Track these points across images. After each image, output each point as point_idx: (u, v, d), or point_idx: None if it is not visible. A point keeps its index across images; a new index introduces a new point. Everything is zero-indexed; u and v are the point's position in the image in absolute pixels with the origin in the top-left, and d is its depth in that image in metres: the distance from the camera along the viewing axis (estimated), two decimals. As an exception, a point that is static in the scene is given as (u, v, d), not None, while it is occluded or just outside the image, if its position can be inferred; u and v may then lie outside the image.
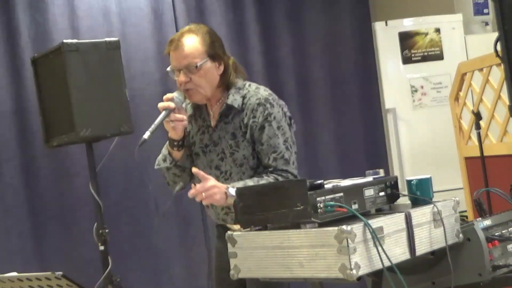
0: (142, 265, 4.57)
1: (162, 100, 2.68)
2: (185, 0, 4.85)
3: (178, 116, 2.64)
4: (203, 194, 2.50)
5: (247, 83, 2.77)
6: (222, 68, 2.71)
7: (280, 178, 2.62)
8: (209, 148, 2.76)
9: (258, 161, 2.69)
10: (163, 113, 2.61)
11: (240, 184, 2.58)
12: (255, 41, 5.03)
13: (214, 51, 2.68)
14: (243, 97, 2.70)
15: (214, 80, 2.70)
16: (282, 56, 5.12)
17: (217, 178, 2.66)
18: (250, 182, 2.60)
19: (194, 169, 2.58)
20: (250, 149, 2.67)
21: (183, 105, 2.72)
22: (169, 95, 2.65)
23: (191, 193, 2.52)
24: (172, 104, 2.62)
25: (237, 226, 2.59)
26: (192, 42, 2.65)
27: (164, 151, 2.82)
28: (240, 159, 2.68)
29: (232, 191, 2.49)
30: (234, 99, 2.69)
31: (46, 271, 2.20)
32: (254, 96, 2.68)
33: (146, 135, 2.54)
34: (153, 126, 2.57)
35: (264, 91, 2.72)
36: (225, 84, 2.73)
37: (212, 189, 2.52)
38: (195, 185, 2.52)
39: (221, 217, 2.79)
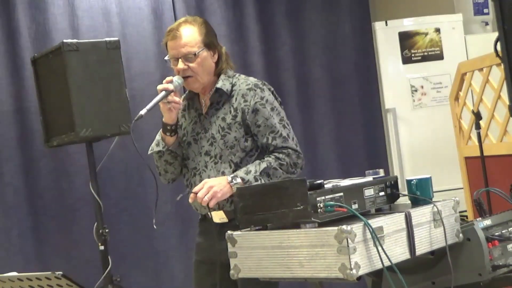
0: (142, 265, 4.57)
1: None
2: (185, 0, 4.85)
3: (176, 98, 2.72)
4: (205, 198, 2.59)
5: (237, 74, 2.87)
6: (216, 56, 2.81)
7: (281, 156, 2.71)
8: (200, 136, 2.83)
9: (251, 144, 2.76)
10: (162, 93, 2.68)
11: (242, 171, 2.68)
12: (255, 41, 5.03)
13: (209, 40, 2.78)
14: (233, 84, 2.80)
15: (210, 68, 2.79)
16: (282, 56, 5.11)
17: (206, 164, 2.78)
18: (251, 167, 2.69)
19: (190, 199, 2.65)
20: (241, 132, 2.74)
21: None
22: (168, 78, 2.72)
23: (191, 199, 2.63)
24: (171, 86, 2.70)
25: (219, 214, 2.72)
26: (190, 32, 2.75)
27: (158, 137, 2.88)
28: (231, 141, 2.74)
29: (236, 178, 2.63)
30: (223, 84, 2.79)
31: (46, 271, 2.20)
32: (244, 83, 2.79)
33: (143, 111, 2.59)
34: (150, 104, 2.64)
35: (253, 79, 2.84)
36: (218, 72, 2.82)
37: (210, 189, 2.61)
38: (194, 193, 2.61)
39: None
